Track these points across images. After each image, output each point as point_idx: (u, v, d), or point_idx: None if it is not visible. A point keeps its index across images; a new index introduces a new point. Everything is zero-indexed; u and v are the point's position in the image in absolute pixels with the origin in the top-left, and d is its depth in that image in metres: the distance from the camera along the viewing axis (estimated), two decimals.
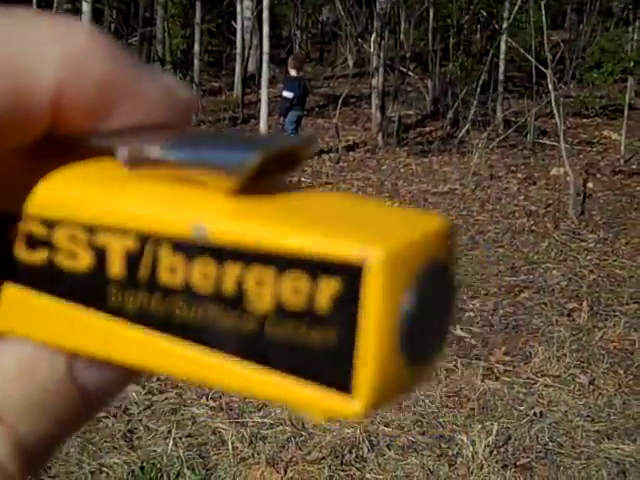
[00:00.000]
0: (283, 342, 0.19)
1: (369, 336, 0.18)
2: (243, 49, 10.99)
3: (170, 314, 0.20)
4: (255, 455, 2.74)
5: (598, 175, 7.80)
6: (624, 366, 3.63)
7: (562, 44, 9.72)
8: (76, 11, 8.96)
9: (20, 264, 0.22)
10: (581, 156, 8.48)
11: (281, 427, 2.92)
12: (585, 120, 10.00)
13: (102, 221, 0.21)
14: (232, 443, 2.77)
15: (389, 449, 2.84)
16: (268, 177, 0.21)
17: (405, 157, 8.36)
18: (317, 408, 0.19)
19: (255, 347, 0.19)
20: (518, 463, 2.82)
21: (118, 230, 0.21)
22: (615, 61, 8.87)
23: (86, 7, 10.37)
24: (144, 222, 0.20)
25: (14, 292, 0.22)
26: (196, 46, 10.51)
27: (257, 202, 0.20)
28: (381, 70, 9.13)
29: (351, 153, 8.43)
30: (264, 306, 0.19)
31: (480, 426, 2.98)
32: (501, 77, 9.84)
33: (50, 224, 0.21)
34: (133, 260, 0.20)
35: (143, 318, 0.21)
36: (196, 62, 10.37)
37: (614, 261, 5.31)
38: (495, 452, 2.85)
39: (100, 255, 0.21)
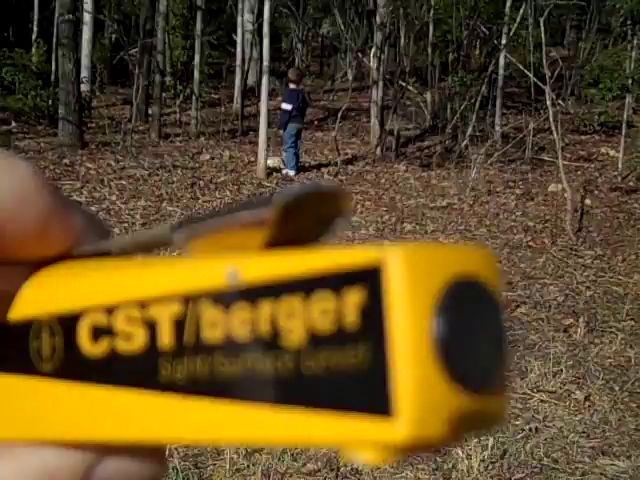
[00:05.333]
0: (319, 374, 0.18)
1: (401, 345, 0.17)
2: (243, 61, 11.02)
3: (215, 374, 0.19)
4: (251, 466, 2.74)
5: (595, 192, 7.83)
6: (620, 382, 3.64)
7: (561, 61, 9.78)
8: (77, 22, 8.98)
9: (86, 361, 0.22)
10: (579, 173, 8.51)
11: None
12: (583, 137, 10.03)
13: (151, 293, 0.21)
14: (228, 454, 2.77)
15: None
16: (306, 233, 0.21)
17: (404, 171, 8.38)
18: (359, 440, 0.17)
19: (295, 388, 0.18)
20: (513, 478, 2.82)
21: (165, 297, 0.20)
22: (613, 77, 8.92)
23: (87, 18, 10.42)
24: (184, 281, 0.20)
25: (79, 392, 0.22)
26: (196, 58, 10.54)
27: (285, 249, 0.20)
28: (381, 84, 9.17)
29: (350, 166, 8.45)
30: (297, 339, 0.18)
31: (476, 440, 2.98)
32: (500, 92, 9.88)
33: (110, 309, 0.21)
34: (180, 325, 0.20)
35: (192, 386, 0.20)
36: (196, 74, 10.40)
37: (611, 278, 5.33)
38: (490, 467, 2.86)
39: (152, 329, 0.20)
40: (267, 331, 0.18)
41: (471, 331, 0.18)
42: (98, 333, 0.21)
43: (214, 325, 0.19)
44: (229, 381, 0.19)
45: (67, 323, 0.22)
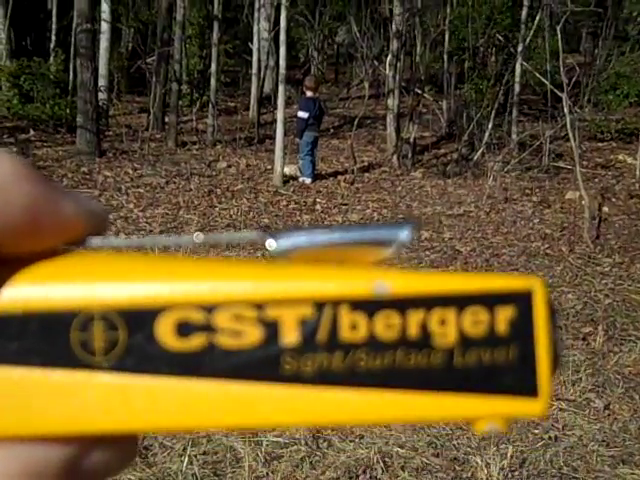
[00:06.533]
0: (470, 367, 0.23)
1: (544, 347, 0.24)
2: (259, 70, 11.06)
3: (354, 367, 0.23)
4: (270, 474, 2.74)
5: (613, 199, 7.79)
6: (639, 391, 3.62)
7: (577, 68, 9.74)
8: (95, 31, 9.04)
9: (167, 355, 0.23)
10: (596, 180, 8.47)
11: (296, 447, 2.92)
12: (600, 144, 9.99)
13: (275, 296, 0.23)
14: (247, 461, 2.77)
15: (403, 470, 2.84)
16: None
17: (420, 179, 8.38)
18: (505, 415, 0.24)
19: (445, 377, 0.23)
20: None
21: (292, 301, 0.23)
22: (631, 84, 8.88)
23: (105, 27, 10.49)
24: (321, 289, 0.23)
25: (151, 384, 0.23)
26: (213, 66, 10.59)
27: (400, 268, 0.24)
28: (396, 92, 9.17)
29: (366, 174, 8.45)
30: (449, 341, 0.23)
31: (495, 449, 2.97)
32: (516, 100, 9.86)
33: (210, 308, 0.23)
34: (309, 326, 0.23)
35: (323, 378, 0.23)
36: (213, 82, 10.44)
37: (629, 285, 5.30)
38: (510, 475, 2.84)
39: (271, 328, 0.23)
40: (416, 334, 0.23)
41: (557, 336, 0.24)
42: (188, 329, 0.23)
43: (355, 327, 0.23)
44: (369, 373, 0.23)
45: (137, 317, 0.23)
